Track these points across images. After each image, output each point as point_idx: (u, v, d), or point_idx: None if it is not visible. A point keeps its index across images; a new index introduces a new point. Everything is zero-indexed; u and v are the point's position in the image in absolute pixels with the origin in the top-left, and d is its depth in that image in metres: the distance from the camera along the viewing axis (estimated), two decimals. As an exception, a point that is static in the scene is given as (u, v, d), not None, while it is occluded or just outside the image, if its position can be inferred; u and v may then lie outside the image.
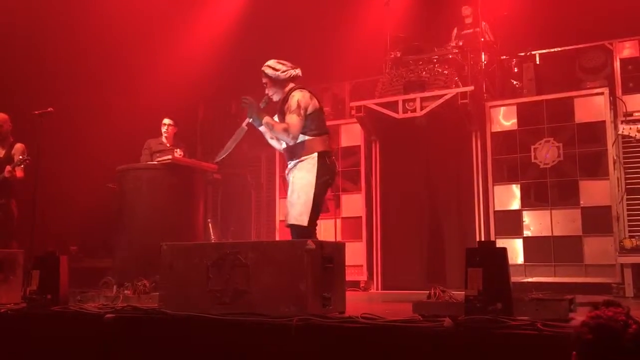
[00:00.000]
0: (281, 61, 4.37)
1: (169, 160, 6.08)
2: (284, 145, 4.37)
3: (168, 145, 6.72)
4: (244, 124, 4.38)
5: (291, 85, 4.34)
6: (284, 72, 4.30)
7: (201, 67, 8.20)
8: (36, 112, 5.68)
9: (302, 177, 4.17)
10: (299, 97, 4.20)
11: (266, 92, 4.38)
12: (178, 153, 6.31)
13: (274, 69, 4.31)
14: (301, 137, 4.21)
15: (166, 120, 6.82)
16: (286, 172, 4.41)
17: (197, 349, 3.11)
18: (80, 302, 4.07)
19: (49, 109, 5.67)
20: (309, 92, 4.33)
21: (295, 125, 4.15)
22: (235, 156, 4.79)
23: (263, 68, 4.36)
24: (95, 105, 7.81)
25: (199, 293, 3.37)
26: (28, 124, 6.02)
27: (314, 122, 4.24)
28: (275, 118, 4.38)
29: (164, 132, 6.80)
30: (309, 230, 4.10)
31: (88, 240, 8.26)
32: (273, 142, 4.52)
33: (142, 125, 7.26)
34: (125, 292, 4.48)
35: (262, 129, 4.36)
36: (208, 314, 3.16)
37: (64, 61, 7.83)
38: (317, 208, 4.18)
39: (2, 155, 6.16)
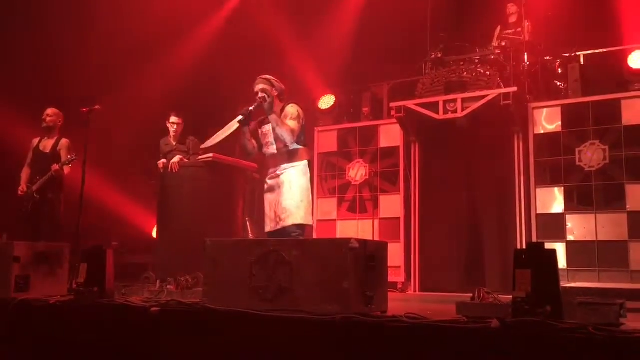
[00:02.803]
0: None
1: (210, 158, 6.16)
2: (272, 151, 4.71)
3: (174, 144, 6.52)
4: (236, 120, 4.64)
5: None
6: (281, 86, 4.74)
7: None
8: (84, 109, 5.75)
9: (300, 182, 4.60)
10: (299, 108, 4.69)
11: (260, 96, 4.60)
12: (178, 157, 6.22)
13: (278, 81, 4.74)
14: (295, 145, 4.65)
15: (173, 119, 6.52)
16: (271, 175, 4.73)
17: (240, 344, 3.13)
18: (125, 295, 4.15)
19: (96, 107, 5.75)
20: None
21: (296, 131, 4.63)
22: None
23: (268, 77, 4.71)
24: (138, 101, 7.93)
25: (242, 289, 3.39)
26: (73, 121, 6.13)
27: (304, 134, 4.73)
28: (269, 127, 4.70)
29: (173, 131, 6.54)
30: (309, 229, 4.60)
31: (128, 236, 8.41)
32: (249, 146, 4.78)
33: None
34: (169, 287, 4.54)
35: (245, 130, 4.67)
36: (251, 310, 3.18)
37: (107, 59, 8.00)
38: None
39: (48, 151, 6.31)
